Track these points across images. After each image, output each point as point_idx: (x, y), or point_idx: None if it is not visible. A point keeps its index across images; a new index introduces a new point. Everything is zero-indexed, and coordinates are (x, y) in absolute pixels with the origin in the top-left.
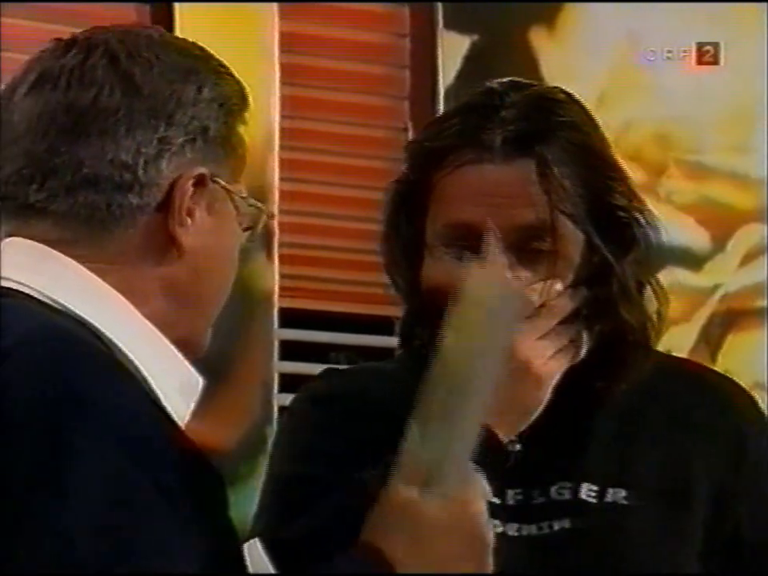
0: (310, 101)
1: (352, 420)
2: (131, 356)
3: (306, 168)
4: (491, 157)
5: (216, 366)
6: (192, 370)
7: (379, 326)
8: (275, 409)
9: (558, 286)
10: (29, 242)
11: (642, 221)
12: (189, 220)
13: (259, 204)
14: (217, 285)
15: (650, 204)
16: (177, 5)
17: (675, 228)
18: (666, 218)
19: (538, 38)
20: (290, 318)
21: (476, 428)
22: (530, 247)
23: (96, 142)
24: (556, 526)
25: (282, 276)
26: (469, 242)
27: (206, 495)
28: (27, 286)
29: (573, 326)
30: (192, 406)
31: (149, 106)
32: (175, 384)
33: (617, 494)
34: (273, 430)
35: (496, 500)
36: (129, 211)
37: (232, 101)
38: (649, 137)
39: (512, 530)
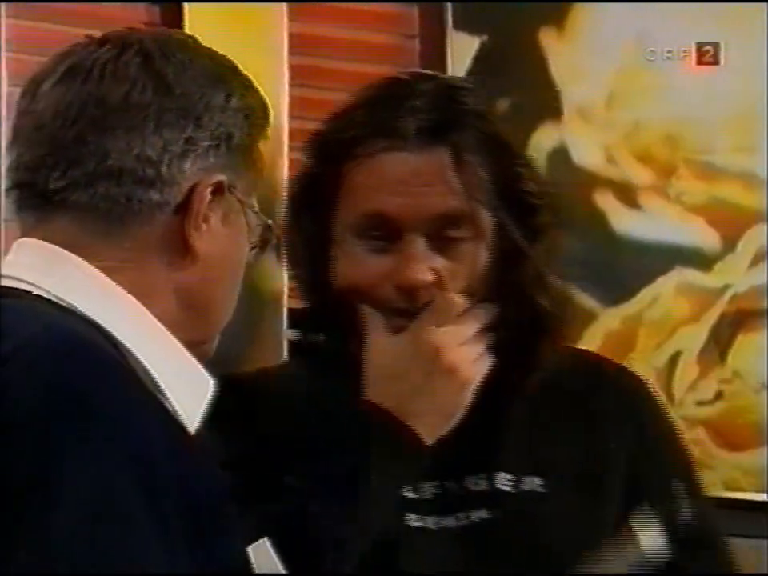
0: (320, 102)
1: (250, 428)
2: (142, 358)
3: None
4: (405, 145)
5: (225, 366)
6: (203, 371)
7: None
8: None
9: (461, 301)
10: (41, 242)
11: (550, 207)
12: (204, 226)
13: (270, 222)
14: (224, 294)
15: (660, 204)
16: (186, 6)
17: (685, 228)
18: (676, 218)
19: (548, 39)
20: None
21: None
22: (445, 235)
23: (123, 136)
24: (474, 517)
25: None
26: (384, 231)
27: (205, 512)
28: (38, 287)
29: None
30: (204, 407)
31: (179, 106)
32: (186, 386)
33: (532, 482)
34: None
35: (414, 495)
36: (148, 207)
37: (257, 114)
38: (658, 137)
39: (431, 523)
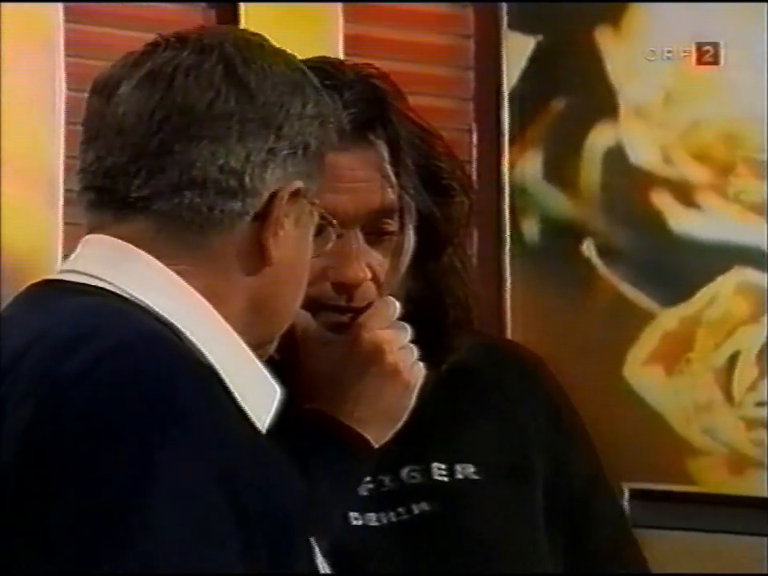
0: None
1: None
2: (214, 362)
3: None
4: (341, 141)
5: None
6: (271, 379)
7: None
8: None
9: (398, 303)
10: (115, 239)
11: (470, 199)
12: (281, 232)
13: (334, 221)
14: (292, 296)
15: (719, 203)
16: (242, 6)
17: (744, 227)
18: (735, 217)
19: (603, 38)
20: None
21: None
22: (380, 229)
23: (208, 146)
24: (415, 510)
25: None
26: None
27: (283, 521)
28: (112, 284)
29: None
30: (270, 415)
31: (261, 116)
32: (256, 393)
33: (466, 470)
34: None
35: None
36: (229, 217)
37: (329, 119)
38: (716, 136)
39: (372, 520)
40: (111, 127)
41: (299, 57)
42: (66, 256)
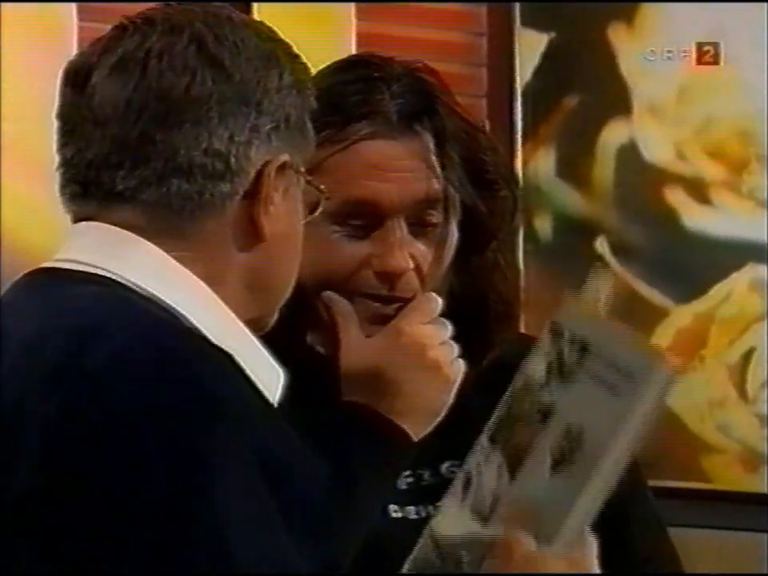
0: None
1: None
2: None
3: None
4: (388, 130)
5: None
6: (275, 363)
7: None
8: None
9: (440, 299)
10: (111, 227)
11: (515, 194)
12: (271, 207)
13: (322, 187)
14: (288, 268)
15: (732, 200)
16: (255, 6)
17: (757, 224)
18: (748, 214)
19: (617, 35)
20: None
21: (605, 495)
22: (424, 220)
23: (190, 131)
24: None
25: None
26: (366, 217)
27: (313, 507)
28: (115, 273)
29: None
30: (276, 399)
31: (239, 94)
32: (263, 378)
33: None
34: None
35: None
36: (219, 200)
37: (306, 86)
38: (730, 133)
39: (411, 513)
40: (88, 119)
41: (313, 55)
42: None
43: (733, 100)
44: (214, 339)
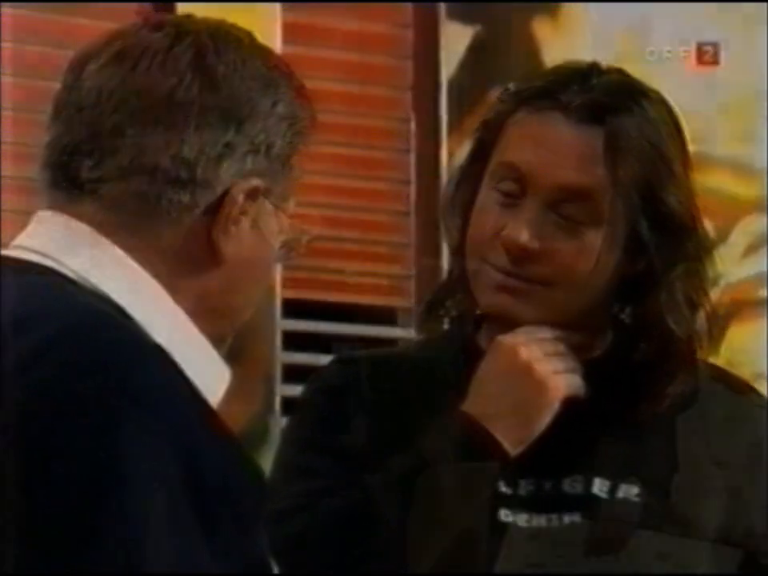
0: (313, 92)
1: (359, 411)
2: (164, 344)
3: (309, 159)
4: (565, 113)
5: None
6: (223, 363)
7: (382, 316)
8: (278, 399)
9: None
10: (70, 219)
11: (697, 232)
12: (233, 229)
13: (304, 227)
14: (246, 297)
15: None
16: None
17: None
18: None
19: (541, 29)
20: (292, 309)
21: None
22: (567, 212)
23: (162, 133)
24: (566, 519)
25: (285, 267)
26: (513, 186)
27: (237, 505)
28: (63, 264)
29: (593, 319)
30: (220, 397)
31: (223, 107)
32: (207, 376)
33: (629, 491)
34: (276, 420)
35: (507, 490)
36: (177, 209)
37: (303, 123)
38: None
39: (522, 520)
40: (74, 103)
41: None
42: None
43: None
44: (156, 334)
